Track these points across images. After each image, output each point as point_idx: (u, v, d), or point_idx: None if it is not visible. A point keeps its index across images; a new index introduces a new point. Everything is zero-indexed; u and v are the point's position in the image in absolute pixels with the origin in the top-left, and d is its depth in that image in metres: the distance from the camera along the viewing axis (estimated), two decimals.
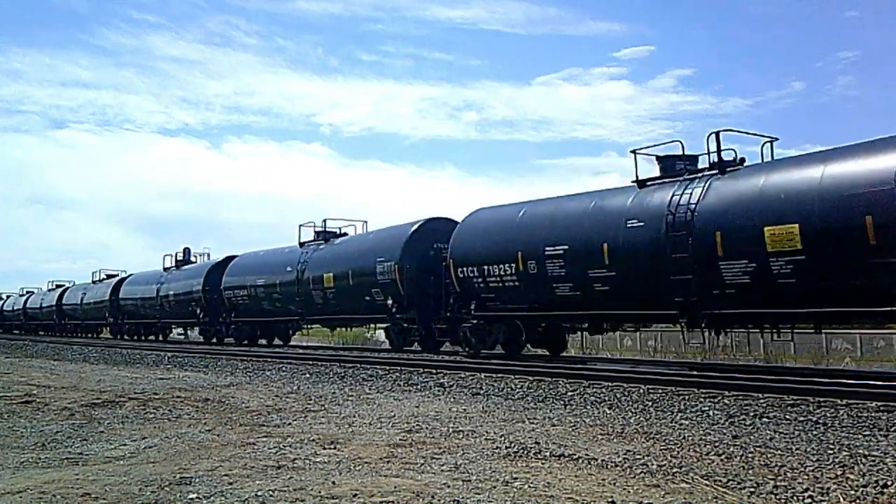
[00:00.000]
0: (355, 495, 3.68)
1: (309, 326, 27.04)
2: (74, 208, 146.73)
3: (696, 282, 11.53)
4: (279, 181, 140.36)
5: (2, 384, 10.01)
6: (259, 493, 3.71)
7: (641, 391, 9.17)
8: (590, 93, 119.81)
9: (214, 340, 29.06)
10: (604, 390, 9.32)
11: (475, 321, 16.01)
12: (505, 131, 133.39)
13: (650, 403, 8.12)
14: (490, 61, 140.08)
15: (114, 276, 39.96)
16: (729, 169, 11.90)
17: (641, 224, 12.40)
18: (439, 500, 3.60)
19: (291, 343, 27.84)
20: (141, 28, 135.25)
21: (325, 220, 23.81)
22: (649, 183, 13.04)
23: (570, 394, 9.14)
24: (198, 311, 28.90)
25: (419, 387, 10.35)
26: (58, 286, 47.22)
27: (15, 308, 53.47)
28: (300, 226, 24.13)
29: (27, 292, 53.79)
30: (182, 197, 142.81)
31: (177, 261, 32.64)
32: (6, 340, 34.11)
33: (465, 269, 15.95)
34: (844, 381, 9.52)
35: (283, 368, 13.97)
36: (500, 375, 11.51)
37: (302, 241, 23.99)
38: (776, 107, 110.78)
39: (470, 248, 16.02)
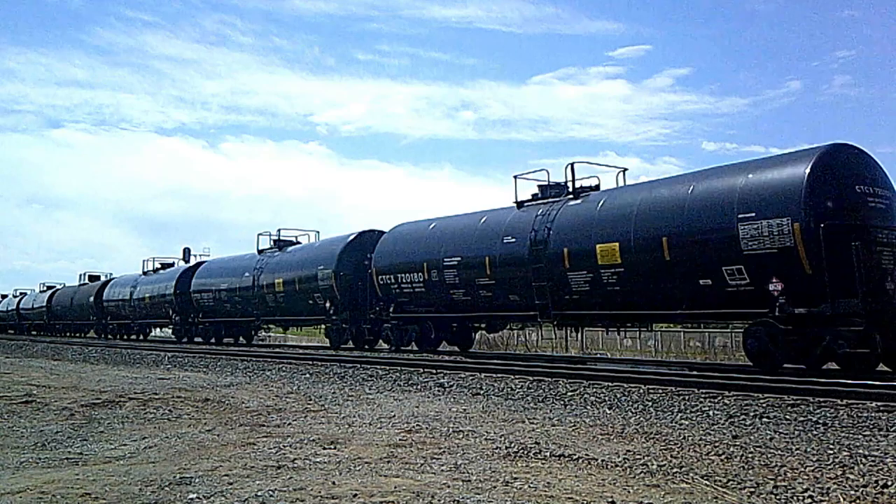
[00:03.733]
0: (355, 495, 3.68)
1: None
2: (72, 208, 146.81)
3: None
4: (277, 180, 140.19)
5: (2, 384, 10.00)
6: (259, 493, 3.72)
7: (641, 391, 9.17)
8: (586, 92, 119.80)
9: (351, 344, 21.74)
10: (604, 390, 9.32)
11: None
12: (502, 131, 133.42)
13: (650, 403, 8.13)
14: (486, 60, 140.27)
15: (169, 264, 34.01)
16: None
17: None
18: (439, 500, 3.60)
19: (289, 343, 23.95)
20: (136, 27, 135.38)
21: (571, 164, 15.37)
22: None
23: (570, 394, 9.14)
24: (326, 305, 21.80)
25: (419, 387, 10.35)
26: (92, 278, 41.11)
27: (35, 306, 46.67)
28: (515, 176, 16.38)
29: (48, 287, 47.71)
30: (179, 196, 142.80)
31: (275, 241, 25.92)
32: (6, 341, 34.03)
33: None
34: (844, 381, 9.51)
35: (283, 368, 13.97)
36: (500, 375, 11.52)
37: (519, 199, 16.20)
38: (773, 106, 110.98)
39: None
